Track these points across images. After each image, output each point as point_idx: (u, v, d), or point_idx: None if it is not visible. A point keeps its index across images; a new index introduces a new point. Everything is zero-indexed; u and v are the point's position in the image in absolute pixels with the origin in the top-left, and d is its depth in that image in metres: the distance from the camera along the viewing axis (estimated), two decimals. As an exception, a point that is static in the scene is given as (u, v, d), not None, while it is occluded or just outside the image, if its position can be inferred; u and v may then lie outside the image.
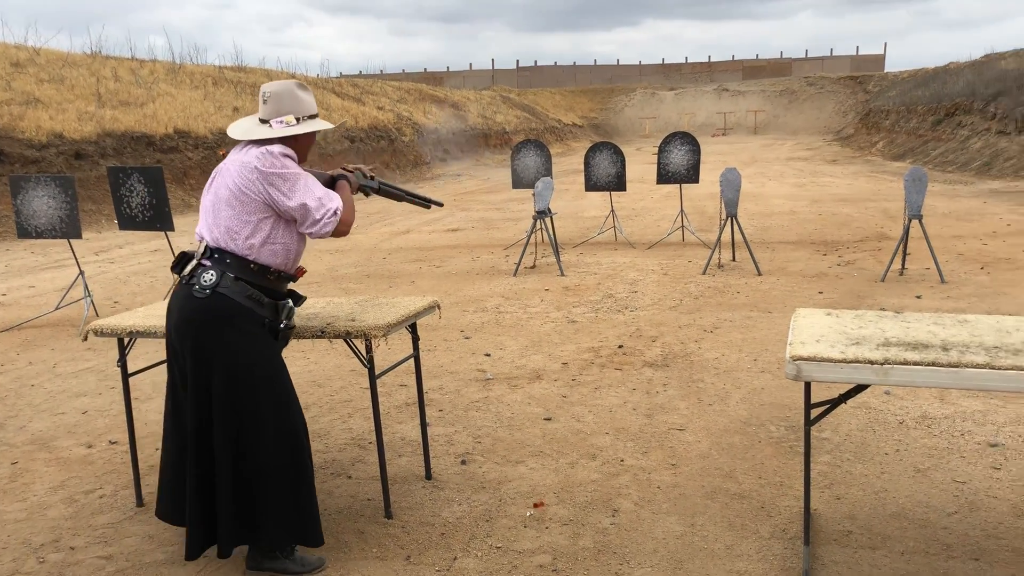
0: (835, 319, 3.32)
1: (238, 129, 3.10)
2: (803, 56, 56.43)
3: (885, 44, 68.07)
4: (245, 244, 2.95)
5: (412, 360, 3.93)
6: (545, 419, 4.80)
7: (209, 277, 2.91)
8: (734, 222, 9.10)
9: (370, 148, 25.19)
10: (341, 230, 3.04)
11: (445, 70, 57.79)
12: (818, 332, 3.12)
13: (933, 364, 2.71)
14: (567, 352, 6.19)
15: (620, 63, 58.72)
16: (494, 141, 33.64)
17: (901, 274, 8.68)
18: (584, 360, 5.96)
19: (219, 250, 2.95)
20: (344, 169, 3.38)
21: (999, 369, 2.65)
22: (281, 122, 3.03)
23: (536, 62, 59.21)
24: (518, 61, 59.85)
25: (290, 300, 3.16)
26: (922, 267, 8.74)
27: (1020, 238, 10.76)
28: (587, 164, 11.32)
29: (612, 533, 3.46)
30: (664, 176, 11.13)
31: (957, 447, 4.18)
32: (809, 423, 3.11)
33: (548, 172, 10.90)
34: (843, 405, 4.68)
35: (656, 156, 11.32)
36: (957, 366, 2.69)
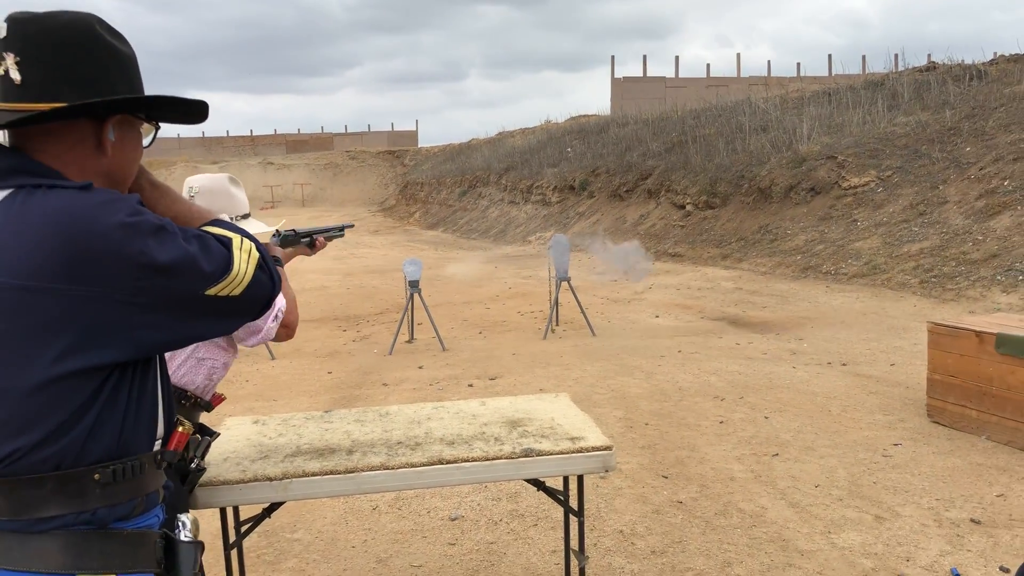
0: (259, 427, 3.15)
1: None
2: (343, 131, 58.83)
3: (417, 121, 74.18)
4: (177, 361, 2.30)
5: None
6: None
7: None
8: (245, 306, 8.83)
9: None
10: (284, 334, 2.43)
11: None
12: (231, 447, 2.91)
13: (332, 472, 2.63)
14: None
15: (157, 137, 55.89)
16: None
17: (410, 342, 9.08)
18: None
19: None
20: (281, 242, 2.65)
21: (392, 469, 2.65)
22: None
23: (60, 134, 53.87)
24: (38, 132, 53.93)
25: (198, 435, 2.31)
26: (429, 336, 9.22)
27: (516, 301, 11.99)
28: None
29: None
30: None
31: (422, 527, 4.26)
32: (229, 547, 2.87)
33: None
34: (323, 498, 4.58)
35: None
36: (354, 471, 2.64)
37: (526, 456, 2.71)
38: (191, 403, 2.38)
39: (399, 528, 4.26)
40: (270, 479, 2.60)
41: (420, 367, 7.98)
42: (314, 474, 2.62)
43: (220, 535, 2.95)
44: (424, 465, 2.66)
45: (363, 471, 2.64)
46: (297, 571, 3.85)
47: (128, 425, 1.36)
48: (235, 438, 3.02)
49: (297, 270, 17.14)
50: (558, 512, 4.34)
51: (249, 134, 57.96)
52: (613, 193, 21.41)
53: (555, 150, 28.88)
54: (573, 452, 2.74)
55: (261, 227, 2.65)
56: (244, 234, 1.47)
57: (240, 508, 2.96)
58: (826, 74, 41.59)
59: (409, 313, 9.08)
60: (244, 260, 1.41)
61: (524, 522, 4.27)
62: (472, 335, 9.53)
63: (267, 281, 1.46)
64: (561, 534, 4.08)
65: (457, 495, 4.64)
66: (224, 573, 3.41)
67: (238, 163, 52.73)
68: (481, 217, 28.51)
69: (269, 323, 2.41)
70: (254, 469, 2.66)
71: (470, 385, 7.16)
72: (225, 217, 2.49)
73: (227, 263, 1.39)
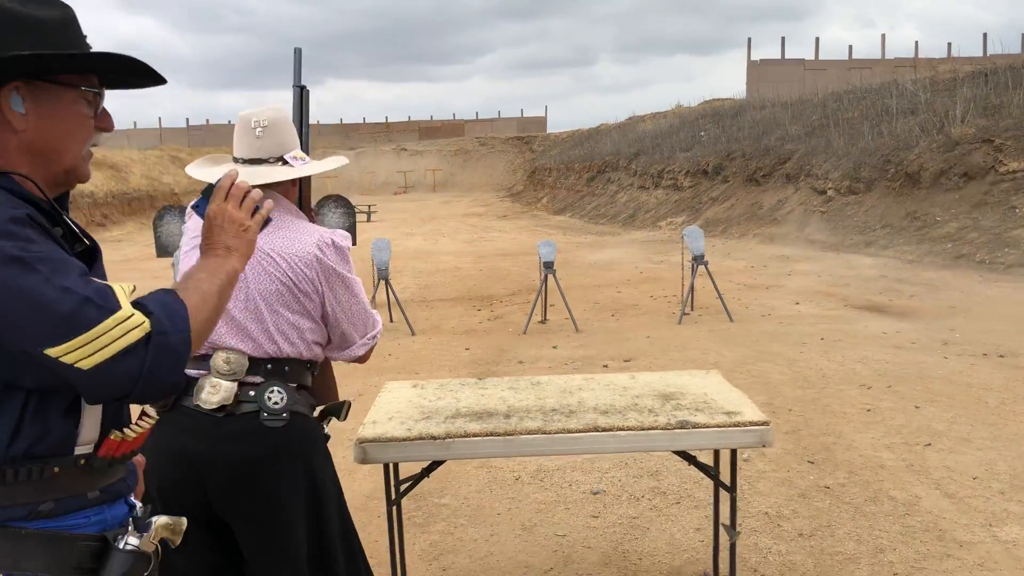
0: (419, 391, 3.29)
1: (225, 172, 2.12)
2: (474, 118, 59.64)
3: (546, 107, 74.47)
4: (309, 342, 2.20)
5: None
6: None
7: (279, 397, 2.12)
8: (387, 284, 9.15)
9: (9, 215, 22.47)
10: (367, 357, 2.36)
11: (106, 129, 53.61)
12: (395, 408, 3.05)
13: (491, 434, 2.73)
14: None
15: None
16: (162, 203, 31.63)
17: (543, 322, 9.18)
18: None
19: (273, 359, 2.15)
20: None
21: (549, 433, 2.72)
22: (296, 159, 2.23)
23: (208, 121, 57.01)
24: (188, 120, 57.28)
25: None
26: (562, 317, 9.29)
27: (648, 285, 11.91)
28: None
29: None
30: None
31: (564, 499, 4.34)
32: (391, 503, 3.02)
33: (195, 239, 10.27)
34: (467, 466, 4.74)
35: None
36: (512, 433, 2.73)
37: (682, 428, 2.73)
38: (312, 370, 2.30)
39: (542, 499, 4.35)
40: (434, 437, 2.72)
41: (554, 347, 8.06)
42: (475, 435, 2.73)
43: (383, 492, 3.09)
44: (580, 431, 2.72)
45: (521, 434, 2.72)
46: (446, 534, 4.00)
47: (24, 432, 1.28)
48: (397, 399, 3.16)
49: (433, 252, 17.58)
50: (701, 491, 4.33)
51: (384, 121, 59.62)
52: (749, 178, 20.87)
53: (687, 134, 28.37)
54: (729, 426, 2.74)
55: (340, 161, 2.48)
56: (161, 317, 1.28)
57: (399, 468, 3.10)
58: (980, 54, 39.13)
59: (543, 294, 9.18)
60: (112, 334, 1.22)
61: (666, 499, 4.27)
62: (605, 318, 9.54)
63: (132, 372, 1.24)
64: (705, 513, 4.07)
65: (598, 470, 4.69)
66: (386, 529, 3.59)
67: (372, 149, 54.29)
68: (610, 202, 28.36)
69: (370, 339, 2.33)
70: (418, 428, 2.79)
71: (605, 366, 7.19)
72: (301, 153, 2.25)
73: (83, 326, 1.21)
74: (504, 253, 17.21)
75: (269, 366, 2.14)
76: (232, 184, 1.60)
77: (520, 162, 49.76)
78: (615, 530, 3.95)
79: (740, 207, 19.97)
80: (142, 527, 1.41)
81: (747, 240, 17.32)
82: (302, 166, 2.23)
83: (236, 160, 2.24)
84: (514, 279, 13.06)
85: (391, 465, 2.95)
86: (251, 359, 2.13)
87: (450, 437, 2.72)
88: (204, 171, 2.28)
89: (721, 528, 3.29)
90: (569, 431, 2.72)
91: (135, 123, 55.75)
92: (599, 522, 4.04)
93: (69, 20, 1.37)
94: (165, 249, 10.43)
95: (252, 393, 2.11)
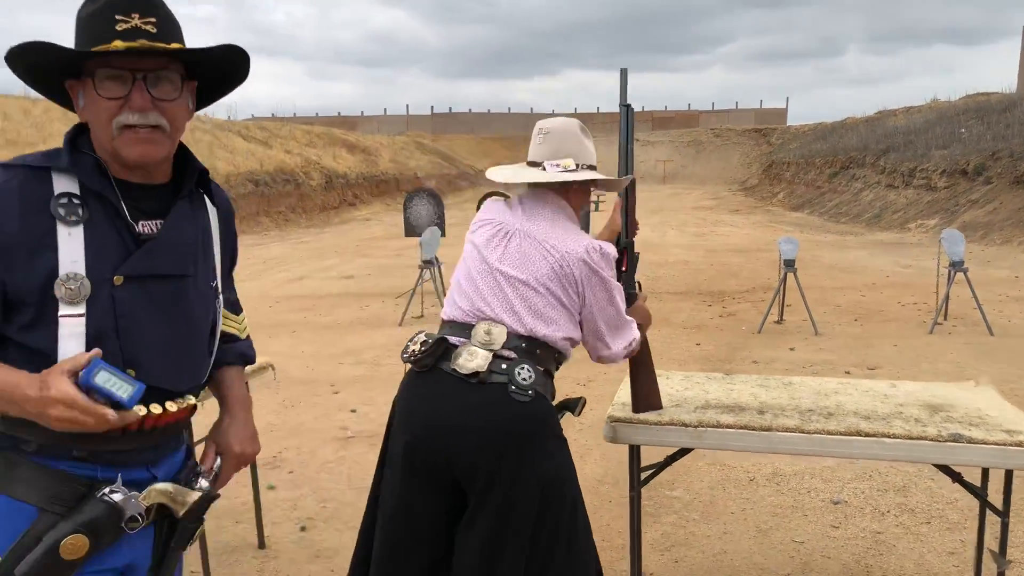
0: (664, 379, 3.29)
1: (502, 173, 2.48)
2: (710, 109, 58.35)
3: (787, 99, 71.04)
4: (562, 332, 2.32)
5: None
6: (399, 478, 4.65)
7: (528, 374, 2.22)
8: (619, 273, 9.20)
9: (275, 192, 24.80)
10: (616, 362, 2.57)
11: (359, 115, 57.75)
12: (643, 394, 3.07)
13: (745, 427, 2.69)
14: (436, 406, 6.05)
15: (534, 111, 59.72)
16: (406, 186, 33.58)
17: (779, 322, 8.86)
18: (453, 414, 5.84)
19: (529, 338, 2.27)
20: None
21: (807, 433, 2.64)
22: (557, 165, 2.39)
23: (451, 108, 59.77)
24: (433, 107, 60.38)
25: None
26: (800, 318, 8.92)
27: (896, 290, 11.14)
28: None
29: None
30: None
31: (801, 505, 4.19)
32: (635, 488, 3.05)
33: (439, 221, 10.85)
34: (699, 462, 4.70)
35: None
36: (768, 429, 2.67)
37: (955, 441, 2.55)
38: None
39: (778, 503, 4.23)
40: (685, 425, 2.73)
41: (791, 349, 7.76)
42: (728, 426, 2.70)
43: (613, 477, 3.14)
44: (841, 434, 2.62)
45: (777, 431, 2.66)
46: (677, 526, 3.98)
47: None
48: (644, 386, 3.18)
49: (662, 244, 17.42)
50: (955, 512, 4.04)
51: (617, 111, 59.72)
52: (1017, 180, 18.93)
53: (945, 130, 26.14)
54: (1011, 445, 2.53)
55: (611, 178, 2.59)
56: None
57: (641, 457, 3.12)
58: None
59: (781, 293, 8.85)
60: None
61: (915, 517, 4.01)
62: (847, 322, 9.05)
63: None
64: (959, 536, 3.79)
65: (839, 479, 4.49)
66: (621, 513, 3.65)
67: (605, 139, 54.40)
68: (853, 200, 26.75)
69: (624, 348, 2.49)
70: (669, 414, 2.80)
71: (847, 372, 6.83)
72: (570, 162, 2.40)
73: None
74: (736, 249, 16.74)
75: (524, 344, 2.25)
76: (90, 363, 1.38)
77: (756, 155, 48.11)
78: (857, 543, 3.77)
79: (1004, 211, 18.17)
80: (125, 487, 1.46)
81: (1011, 247, 15.74)
82: (555, 172, 2.37)
83: (529, 162, 2.46)
84: (747, 276, 12.68)
85: (636, 449, 2.98)
86: (509, 333, 2.25)
87: (702, 426, 2.71)
88: (492, 173, 2.51)
89: (986, 554, 3.05)
90: (829, 433, 2.62)
91: (385, 110, 59.61)
92: (840, 533, 3.87)
93: (96, 12, 1.41)
94: (413, 229, 11.11)
95: (504, 366, 2.21)
